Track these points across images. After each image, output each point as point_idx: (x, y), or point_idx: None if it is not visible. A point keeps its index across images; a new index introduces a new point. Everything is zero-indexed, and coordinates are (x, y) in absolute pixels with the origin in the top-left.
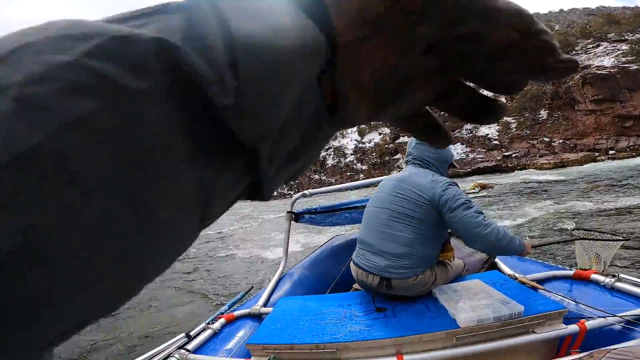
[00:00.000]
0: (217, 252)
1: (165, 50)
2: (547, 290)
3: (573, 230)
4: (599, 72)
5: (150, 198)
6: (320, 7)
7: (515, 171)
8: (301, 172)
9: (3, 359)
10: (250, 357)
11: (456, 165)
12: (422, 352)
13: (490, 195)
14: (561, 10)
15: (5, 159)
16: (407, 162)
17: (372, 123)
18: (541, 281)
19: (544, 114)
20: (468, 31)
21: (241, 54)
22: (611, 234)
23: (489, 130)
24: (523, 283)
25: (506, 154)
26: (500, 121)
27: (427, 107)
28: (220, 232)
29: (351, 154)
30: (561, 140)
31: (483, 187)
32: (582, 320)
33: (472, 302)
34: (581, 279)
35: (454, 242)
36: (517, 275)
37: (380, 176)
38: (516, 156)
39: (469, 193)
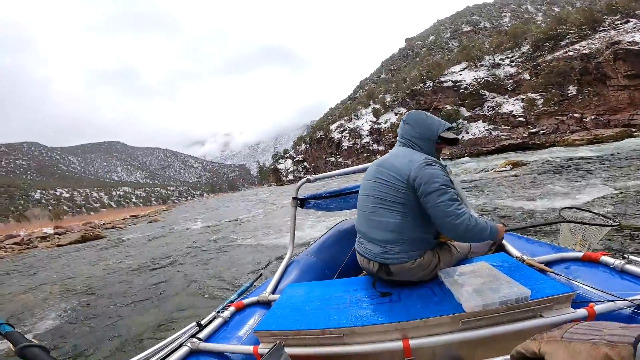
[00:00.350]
0: (232, 239)
1: None
2: (555, 273)
3: (562, 209)
4: (632, 47)
5: None
6: None
7: (547, 148)
8: None
9: None
10: (259, 344)
11: (451, 135)
12: (427, 337)
13: (525, 174)
14: None
15: None
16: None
17: (387, 103)
18: (549, 263)
19: (572, 89)
20: None
21: None
22: (602, 217)
23: (513, 107)
24: (531, 265)
25: (533, 130)
26: (525, 97)
27: None
28: (236, 220)
29: (367, 135)
30: (593, 116)
31: (515, 164)
32: (591, 304)
33: (478, 285)
34: (590, 261)
35: None
36: (524, 257)
37: None
38: (544, 133)
39: (499, 171)
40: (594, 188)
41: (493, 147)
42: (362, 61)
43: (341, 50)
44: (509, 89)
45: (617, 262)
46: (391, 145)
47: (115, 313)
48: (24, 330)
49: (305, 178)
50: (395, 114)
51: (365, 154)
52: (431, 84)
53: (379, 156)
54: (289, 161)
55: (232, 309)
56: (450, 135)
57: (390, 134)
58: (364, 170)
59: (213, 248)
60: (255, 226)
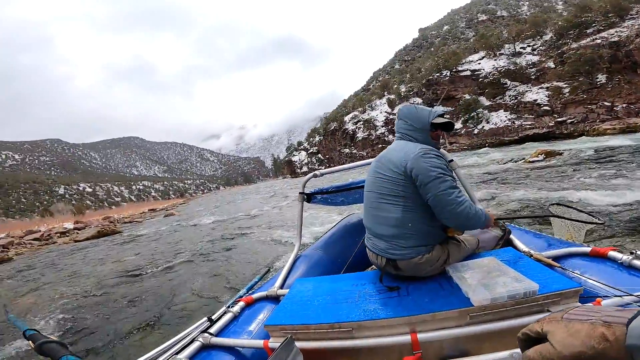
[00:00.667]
0: (244, 234)
1: None
2: (563, 268)
3: (550, 205)
4: None
5: None
6: None
7: (576, 137)
8: None
9: None
10: (269, 338)
11: (442, 120)
12: (435, 331)
13: (561, 164)
14: None
15: None
16: None
17: (401, 94)
18: (557, 258)
19: (602, 78)
20: None
21: None
22: (588, 214)
23: (537, 95)
24: (539, 260)
25: (560, 119)
26: (550, 85)
27: None
28: (249, 214)
29: (382, 126)
30: (624, 105)
31: (549, 154)
32: (598, 299)
33: (485, 280)
34: (598, 256)
35: None
36: (532, 252)
37: None
38: (572, 122)
39: (531, 161)
40: None
41: (516, 137)
42: (374, 52)
43: (353, 41)
44: (532, 77)
45: (624, 257)
46: None
47: (127, 310)
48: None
49: (312, 173)
50: (411, 103)
51: (380, 145)
52: (448, 74)
53: None
54: (303, 153)
55: (241, 303)
56: (442, 120)
57: None
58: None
59: (225, 244)
60: (268, 221)
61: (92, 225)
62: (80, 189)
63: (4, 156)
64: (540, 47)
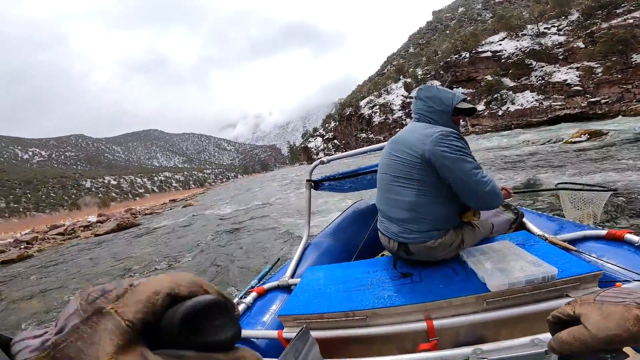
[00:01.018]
0: (259, 224)
1: None
2: (579, 251)
3: (558, 184)
4: None
5: None
6: None
7: (612, 118)
8: None
9: None
10: (283, 329)
11: (467, 105)
12: (451, 317)
13: (609, 145)
14: None
15: None
16: None
17: (418, 77)
18: (572, 242)
19: (637, 57)
20: None
21: None
22: (598, 186)
23: (567, 75)
24: (554, 244)
25: (593, 100)
26: (581, 66)
27: None
28: (265, 203)
29: (399, 110)
30: None
31: (593, 134)
32: (618, 283)
33: (502, 264)
34: (614, 239)
35: None
36: (547, 235)
37: None
38: (606, 102)
39: (572, 142)
40: None
41: (545, 118)
42: (388, 36)
43: (366, 25)
44: (560, 57)
45: None
46: None
47: None
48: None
49: (319, 160)
50: (432, 85)
51: (397, 129)
52: (468, 55)
53: None
54: (319, 139)
55: (253, 294)
56: (466, 105)
57: None
58: (379, 149)
59: (238, 234)
60: (282, 209)
61: (113, 219)
62: (106, 182)
63: (31, 153)
64: (567, 28)
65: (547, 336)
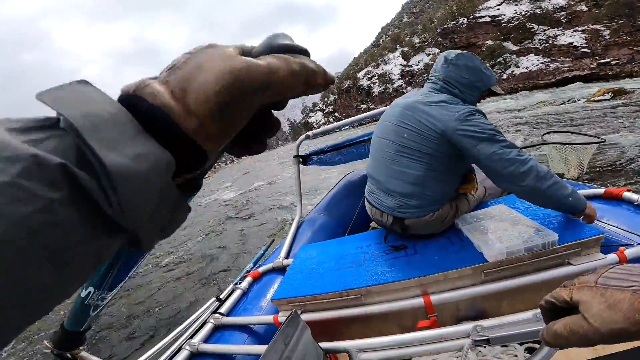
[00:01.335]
0: (261, 206)
1: (70, 173)
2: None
3: (544, 134)
4: None
5: (62, 256)
6: (171, 132)
7: (623, 78)
8: (172, 232)
9: None
10: (279, 313)
11: (500, 90)
12: (449, 291)
13: (635, 103)
14: None
15: None
16: (427, 80)
17: (416, 45)
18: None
19: None
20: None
21: (117, 179)
22: (587, 136)
23: (573, 38)
24: None
25: (602, 61)
26: (586, 29)
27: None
28: (268, 182)
29: (398, 79)
30: None
31: (616, 92)
32: (621, 248)
33: (499, 232)
34: (612, 198)
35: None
36: None
37: None
38: (617, 63)
39: (596, 100)
40: None
41: (553, 80)
42: (380, 6)
43: None
44: (563, 20)
45: None
46: None
47: (131, 298)
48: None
49: (305, 134)
50: (427, 54)
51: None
52: (465, 21)
53: None
54: (319, 114)
55: (249, 279)
56: (499, 90)
57: (425, 75)
58: (368, 118)
59: (239, 217)
60: (284, 188)
61: None
62: None
63: None
64: None
65: None
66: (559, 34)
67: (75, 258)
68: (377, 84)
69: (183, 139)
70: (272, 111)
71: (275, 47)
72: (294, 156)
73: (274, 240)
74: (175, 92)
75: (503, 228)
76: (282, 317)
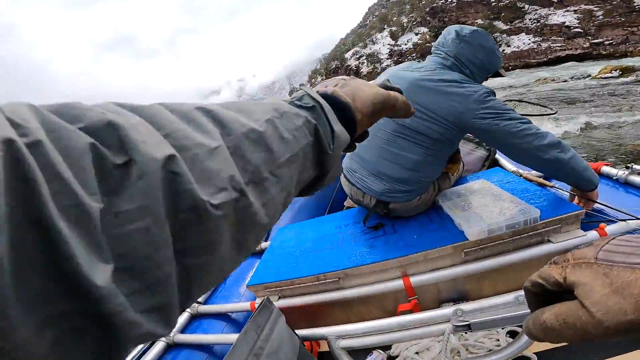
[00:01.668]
0: None
1: (316, 129)
2: (556, 187)
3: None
4: None
5: (302, 170)
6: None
7: (618, 58)
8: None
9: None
10: (255, 299)
11: (505, 73)
12: (429, 272)
13: None
14: None
15: None
16: (431, 53)
17: (404, 24)
18: (547, 177)
19: (639, 1)
20: None
21: (336, 137)
22: (541, 106)
23: (565, 18)
24: (529, 180)
25: (595, 41)
26: (578, 9)
27: None
28: None
29: (387, 59)
30: None
31: (624, 70)
32: (602, 224)
33: (479, 208)
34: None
35: None
36: (521, 171)
37: None
38: (610, 43)
39: (603, 77)
40: None
41: (545, 59)
42: None
43: None
44: (555, 0)
45: (620, 173)
46: None
47: None
48: None
49: None
50: (416, 34)
51: None
52: (455, 0)
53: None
54: None
55: None
56: (504, 72)
57: (414, 54)
58: None
59: None
60: None
61: None
62: None
63: None
64: None
65: None
66: (550, 14)
67: (302, 174)
68: (365, 64)
69: (352, 124)
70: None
71: (389, 86)
72: None
73: None
74: (349, 94)
75: (484, 204)
76: (258, 303)
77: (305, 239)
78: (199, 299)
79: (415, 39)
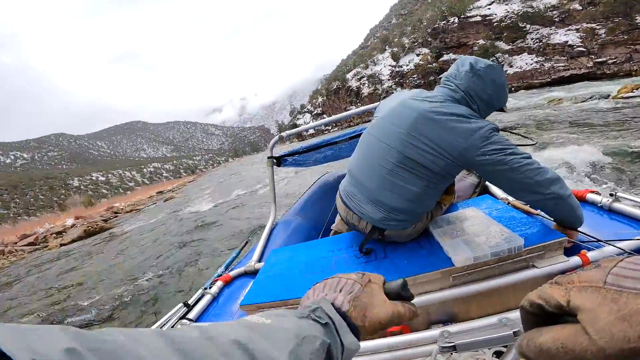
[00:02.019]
0: (237, 220)
1: (329, 349)
2: (542, 215)
3: None
4: None
5: None
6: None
7: (622, 77)
8: None
9: None
10: None
11: (507, 109)
12: (418, 295)
13: None
14: None
15: None
16: (440, 84)
17: (405, 45)
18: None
19: None
20: None
21: (345, 349)
22: (522, 136)
23: (567, 37)
24: (516, 207)
25: (599, 60)
26: (580, 27)
27: None
28: (251, 191)
29: (388, 80)
30: None
31: None
32: (583, 251)
33: (467, 236)
34: (577, 200)
35: None
36: (509, 198)
37: None
38: (614, 62)
39: (624, 97)
40: None
41: (548, 79)
42: (368, 9)
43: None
44: (556, 20)
45: (604, 200)
46: (418, 87)
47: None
48: None
49: (278, 135)
50: (417, 54)
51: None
52: (456, 20)
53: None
54: (307, 115)
55: (219, 283)
56: (507, 109)
57: (415, 75)
58: (343, 119)
59: (208, 234)
60: (266, 197)
61: (79, 224)
62: (94, 178)
63: (12, 157)
64: None
65: (515, 315)
66: (552, 33)
67: None
68: (366, 84)
69: (357, 336)
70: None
71: (402, 295)
72: (268, 157)
73: (247, 242)
74: (360, 317)
75: (472, 232)
76: None
77: (299, 261)
78: (191, 316)
79: (416, 59)
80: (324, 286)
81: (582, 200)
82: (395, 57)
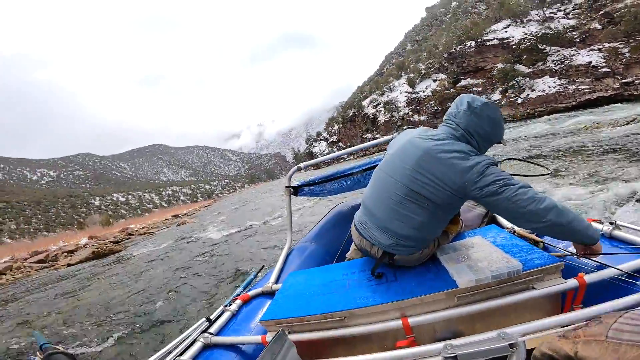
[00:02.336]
0: (249, 253)
1: None
2: (544, 242)
3: (502, 161)
4: None
5: None
6: None
7: None
8: None
9: None
10: (266, 333)
11: (505, 143)
12: (425, 314)
13: None
14: None
15: None
16: (442, 122)
17: (421, 71)
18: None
19: None
20: None
21: None
22: (539, 166)
23: (590, 57)
24: (521, 236)
25: (625, 81)
26: (603, 47)
27: None
28: (264, 222)
29: (404, 107)
30: None
31: None
32: (580, 273)
33: (471, 261)
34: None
35: None
36: (515, 228)
37: None
38: None
39: None
40: None
41: (574, 103)
42: (383, 36)
43: (360, 27)
44: (577, 40)
45: (605, 228)
46: (435, 114)
47: (121, 318)
48: None
49: (296, 166)
50: (434, 80)
51: (405, 127)
52: (473, 44)
53: (420, 127)
54: (323, 143)
55: (238, 302)
56: (505, 142)
57: (432, 102)
58: (359, 150)
59: (220, 270)
60: (281, 231)
61: (90, 245)
62: (114, 199)
63: (39, 174)
64: (574, 10)
65: (513, 329)
66: (574, 54)
67: None
68: (382, 112)
69: None
70: None
71: None
72: (286, 187)
73: (264, 265)
74: None
75: (475, 258)
76: (269, 337)
77: (315, 283)
78: (211, 330)
79: (433, 85)
80: None
81: None
82: (412, 84)
